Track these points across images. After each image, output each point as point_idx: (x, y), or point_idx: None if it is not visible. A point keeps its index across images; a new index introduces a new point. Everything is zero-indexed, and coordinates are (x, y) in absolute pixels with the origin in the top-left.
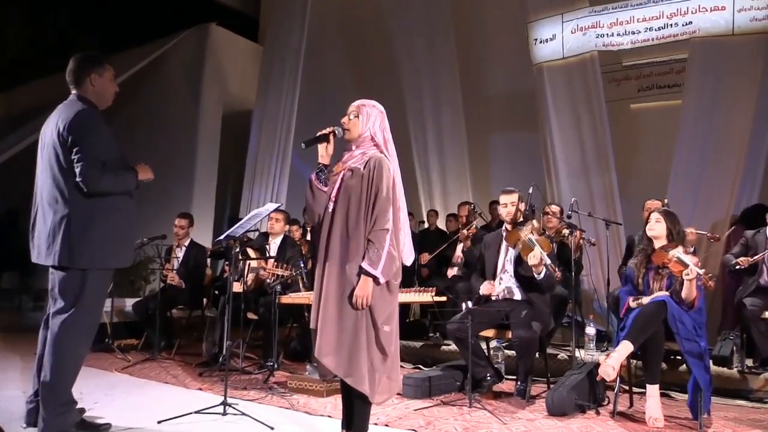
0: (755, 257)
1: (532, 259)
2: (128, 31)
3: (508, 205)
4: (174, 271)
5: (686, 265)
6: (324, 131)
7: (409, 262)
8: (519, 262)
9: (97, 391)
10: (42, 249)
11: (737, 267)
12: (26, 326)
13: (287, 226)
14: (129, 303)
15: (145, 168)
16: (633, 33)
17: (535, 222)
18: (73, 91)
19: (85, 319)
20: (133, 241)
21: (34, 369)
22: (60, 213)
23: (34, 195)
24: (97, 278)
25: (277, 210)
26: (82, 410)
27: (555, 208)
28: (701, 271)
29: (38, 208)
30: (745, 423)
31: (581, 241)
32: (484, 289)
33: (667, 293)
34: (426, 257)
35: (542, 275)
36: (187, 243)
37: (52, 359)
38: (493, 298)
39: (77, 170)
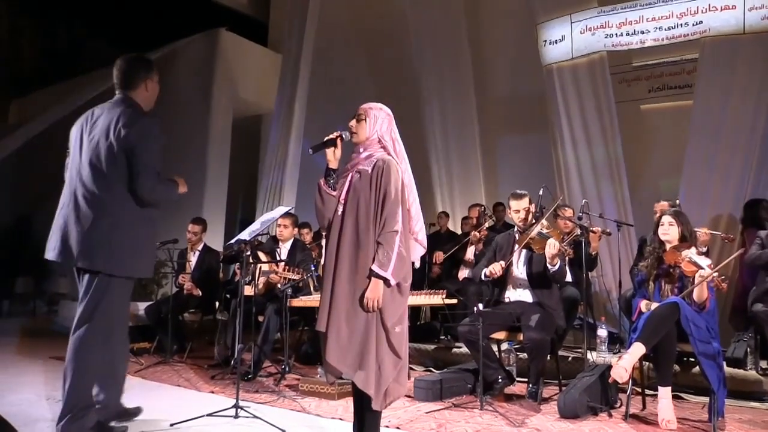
0: None
1: (550, 248)
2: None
3: (521, 210)
4: (189, 279)
5: (699, 266)
6: (331, 136)
7: (417, 262)
8: (530, 262)
9: None
10: (72, 248)
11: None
12: (40, 331)
13: (296, 230)
14: (141, 307)
15: (182, 181)
16: (642, 33)
17: (544, 221)
18: (120, 92)
19: (108, 325)
20: (155, 251)
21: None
22: (102, 217)
23: (64, 192)
24: (122, 286)
25: (284, 215)
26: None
27: (568, 212)
28: (715, 273)
29: (70, 206)
30: (759, 425)
31: (601, 235)
32: (493, 268)
33: (680, 296)
34: (441, 256)
35: (557, 267)
36: (200, 248)
37: (73, 365)
38: (505, 300)
39: (137, 178)
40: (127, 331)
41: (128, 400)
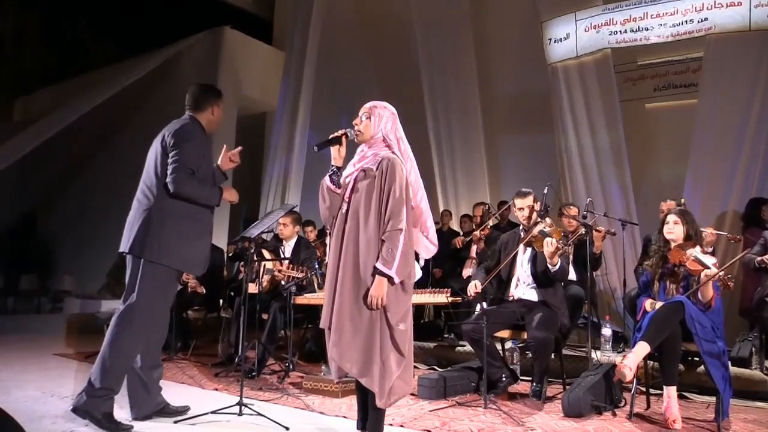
0: None
1: (548, 246)
2: (143, 36)
3: (525, 208)
4: (193, 277)
5: (705, 265)
6: (336, 134)
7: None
8: (534, 260)
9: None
10: (124, 237)
11: (762, 265)
12: (45, 328)
13: (298, 228)
14: None
15: (231, 191)
16: (647, 29)
17: (548, 219)
18: (189, 113)
19: (140, 312)
20: (206, 253)
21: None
22: (143, 207)
23: None
24: (158, 274)
25: (285, 215)
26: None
27: (573, 211)
28: (722, 272)
29: (132, 205)
30: (765, 425)
31: (606, 235)
32: (471, 289)
33: (684, 295)
34: (461, 241)
35: (557, 266)
36: None
37: (107, 346)
38: (509, 298)
39: (169, 170)
40: (156, 321)
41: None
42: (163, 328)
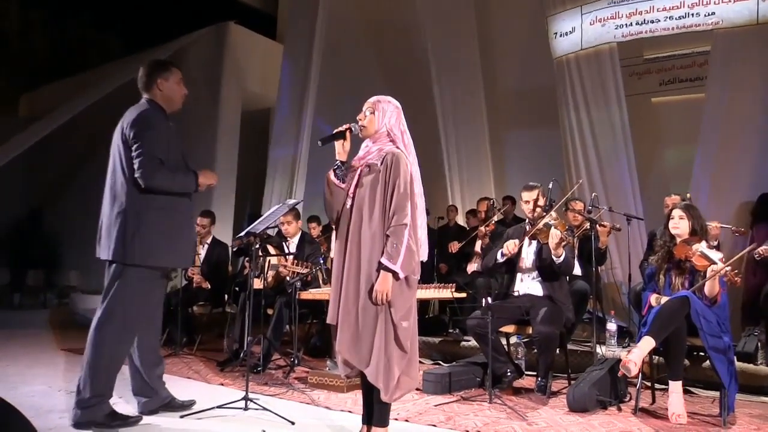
0: None
1: (552, 238)
2: (148, 32)
3: (530, 202)
4: (198, 273)
5: (711, 260)
6: (340, 128)
7: (425, 258)
8: (539, 253)
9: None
10: (103, 244)
11: (759, 257)
12: (52, 323)
13: (300, 223)
14: None
15: (208, 173)
16: (652, 22)
17: (553, 213)
18: (144, 96)
19: (121, 315)
20: (191, 244)
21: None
22: (117, 209)
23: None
24: (140, 275)
25: (286, 213)
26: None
27: (579, 205)
28: (728, 267)
29: (102, 205)
30: None
31: (611, 230)
32: (507, 246)
33: (690, 290)
34: (456, 246)
35: (562, 258)
36: (209, 241)
37: (89, 354)
38: (514, 293)
39: (135, 165)
40: (140, 322)
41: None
42: (156, 328)
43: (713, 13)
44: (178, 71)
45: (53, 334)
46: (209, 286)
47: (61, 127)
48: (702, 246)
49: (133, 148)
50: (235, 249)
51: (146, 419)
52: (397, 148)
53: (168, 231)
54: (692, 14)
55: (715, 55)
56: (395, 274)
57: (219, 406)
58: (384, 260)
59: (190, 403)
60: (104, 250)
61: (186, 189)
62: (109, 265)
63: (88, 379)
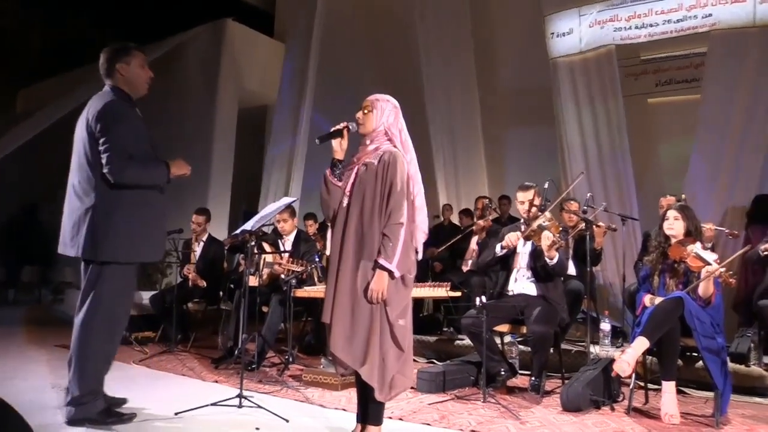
0: None
1: (545, 240)
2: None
3: (525, 202)
4: (194, 270)
5: (706, 262)
6: (338, 126)
7: (420, 251)
8: (534, 254)
9: (115, 382)
10: (66, 240)
11: (765, 253)
12: (47, 319)
13: (296, 220)
14: (146, 296)
15: (180, 163)
16: (651, 26)
17: (548, 213)
18: (107, 83)
19: (104, 312)
20: (163, 237)
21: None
22: (86, 204)
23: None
24: (116, 271)
25: (282, 211)
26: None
27: (574, 206)
28: (723, 269)
29: (66, 200)
30: (763, 420)
31: (606, 230)
32: (509, 238)
33: (684, 291)
34: (434, 252)
35: (555, 260)
36: (205, 238)
37: (75, 352)
38: (509, 293)
39: (103, 160)
40: (121, 318)
41: (133, 389)
42: (126, 319)
43: (710, 15)
44: (141, 54)
45: (47, 330)
46: (204, 284)
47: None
48: (697, 247)
49: (101, 142)
50: (227, 247)
51: (140, 416)
52: (395, 146)
53: (140, 225)
54: (690, 17)
55: (711, 56)
56: (391, 273)
57: (213, 404)
58: (380, 259)
59: (121, 401)
60: (71, 247)
61: (157, 181)
62: (86, 265)
63: (78, 378)
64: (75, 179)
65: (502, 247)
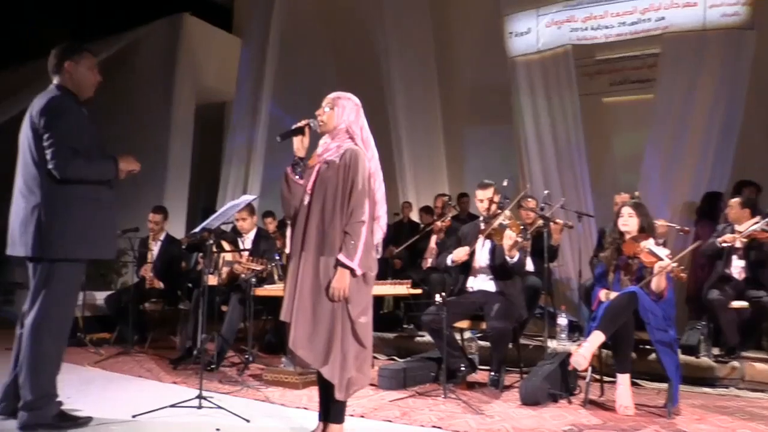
0: (737, 236)
1: (507, 240)
2: (100, 22)
3: (485, 200)
4: (151, 271)
5: (658, 257)
6: (299, 124)
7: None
8: (493, 252)
9: (70, 385)
10: (15, 240)
11: (724, 244)
12: None
13: (255, 218)
14: (101, 296)
15: (128, 159)
16: (606, 27)
17: (508, 212)
18: (53, 81)
19: (57, 312)
20: (114, 233)
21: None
22: (32, 202)
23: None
24: (67, 270)
25: (241, 209)
26: (60, 403)
27: (531, 202)
28: (674, 264)
29: (13, 201)
30: (711, 410)
31: (563, 227)
32: (457, 254)
33: (638, 286)
34: (392, 251)
35: (515, 259)
36: (162, 237)
37: (27, 355)
38: (469, 290)
39: (48, 156)
40: (71, 317)
41: (89, 392)
42: (72, 316)
43: (663, 18)
44: (92, 56)
45: None
46: (162, 285)
47: (3, 125)
48: (650, 243)
49: (44, 138)
50: (185, 245)
51: (96, 419)
52: (356, 144)
53: (88, 222)
54: (644, 19)
55: (664, 57)
56: (353, 271)
57: (172, 405)
58: (341, 257)
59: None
60: (19, 247)
61: (104, 176)
62: (35, 264)
63: (30, 382)
64: (21, 178)
65: (452, 261)
